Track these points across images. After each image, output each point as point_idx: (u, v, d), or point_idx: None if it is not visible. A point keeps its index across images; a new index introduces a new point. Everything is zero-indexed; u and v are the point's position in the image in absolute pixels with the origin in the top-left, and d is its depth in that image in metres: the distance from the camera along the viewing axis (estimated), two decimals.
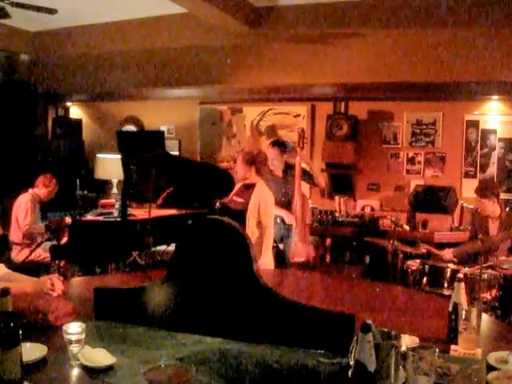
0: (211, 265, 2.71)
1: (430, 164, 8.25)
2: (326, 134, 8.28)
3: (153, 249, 6.68)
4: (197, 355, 2.42)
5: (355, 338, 2.00)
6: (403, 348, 2.20)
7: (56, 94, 9.58)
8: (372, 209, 8.33)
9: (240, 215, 4.91)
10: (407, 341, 2.43)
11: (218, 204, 5.29)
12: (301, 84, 7.87)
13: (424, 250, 6.08)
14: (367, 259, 7.79)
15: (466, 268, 5.25)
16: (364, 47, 7.20)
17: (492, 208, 5.78)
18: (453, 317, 2.63)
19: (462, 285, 2.70)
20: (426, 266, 5.45)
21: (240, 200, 5.13)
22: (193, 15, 7.21)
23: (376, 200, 8.46)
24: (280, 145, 6.27)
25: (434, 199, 7.28)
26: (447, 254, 5.84)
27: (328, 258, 7.93)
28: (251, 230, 5.00)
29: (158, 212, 6.46)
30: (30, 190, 6.88)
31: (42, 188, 6.92)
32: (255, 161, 5.27)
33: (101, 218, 6.55)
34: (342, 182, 8.50)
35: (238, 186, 5.29)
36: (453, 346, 2.49)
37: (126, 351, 2.44)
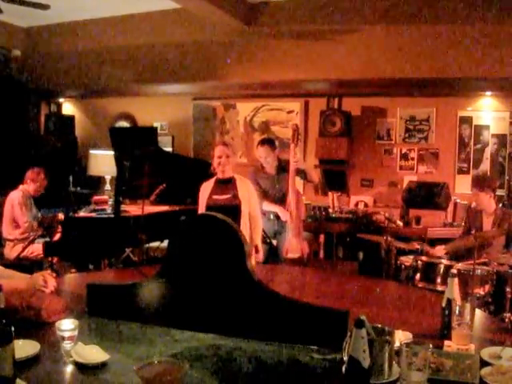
0: (204, 261, 2.71)
1: (423, 160, 8.26)
2: (319, 130, 8.28)
3: (146, 245, 6.69)
4: (190, 351, 2.42)
5: (349, 333, 2.00)
6: (397, 344, 2.20)
7: (48, 90, 9.55)
8: (365, 205, 8.33)
9: (232, 210, 4.90)
10: (401, 336, 2.44)
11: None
12: (294, 80, 7.86)
13: (418, 246, 6.09)
14: (361, 255, 7.79)
15: (460, 264, 5.26)
16: (357, 43, 7.19)
17: (488, 202, 5.78)
18: (446, 312, 2.63)
19: (456, 280, 2.70)
20: (420, 262, 5.45)
21: (225, 196, 5.12)
22: (186, 11, 7.19)
23: (369, 196, 8.46)
24: (269, 142, 6.26)
25: (427, 195, 7.29)
26: (439, 251, 5.85)
27: (321, 254, 7.93)
28: (244, 222, 5.04)
29: (151, 208, 6.46)
30: (20, 187, 6.85)
31: (31, 183, 6.88)
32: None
33: (94, 215, 6.54)
34: (335, 178, 8.50)
35: (209, 186, 5.22)
36: (446, 342, 2.50)
37: (119, 348, 2.44)
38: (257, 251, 5.12)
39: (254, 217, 5.19)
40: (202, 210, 5.12)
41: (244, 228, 4.98)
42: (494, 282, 5.02)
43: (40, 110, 9.90)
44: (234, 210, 4.92)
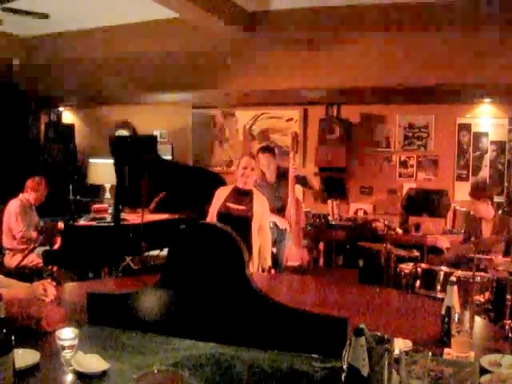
0: (204, 269, 2.71)
1: (422, 167, 8.27)
2: (318, 137, 8.29)
3: (146, 253, 6.68)
4: (190, 360, 2.42)
5: (348, 341, 2.00)
6: (396, 352, 2.20)
7: (48, 98, 9.57)
8: (365, 212, 8.34)
9: (244, 222, 4.90)
10: (400, 344, 2.43)
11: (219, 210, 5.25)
12: (293, 88, 7.88)
13: (417, 254, 6.08)
14: (360, 263, 7.79)
15: (459, 271, 5.26)
16: (356, 51, 7.22)
17: (486, 210, 5.78)
18: (446, 320, 2.63)
19: (455, 288, 2.70)
20: (419, 269, 5.45)
21: (240, 207, 5.11)
22: (185, 20, 7.21)
23: (369, 203, 8.47)
24: (271, 150, 6.28)
25: (426, 202, 7.30)
26: (443, 241, 5.86)
27: (321, 262, 7.93)
28: (255, 237, 5.03)
29: (150, 217, 6.45)
30: (20, 196, 6.81)
31: (32, 192, 6.83)
32: None
33: (94, 223, 6.55)
34: (334, 185, 8.50)
35: (226, 192, 5.23)
36: (446, 349, 2.49)
37: (119, 357, 2.44)
38: (269, 271, 5.11)
39: (264, 232, 5.17)
40: (212, 214, 5.11)
41: (254, 243, 4.99)
42: (493, 289, 5.01)
43: (40, 119, 9.91)
44: (245, 223, 4.92)
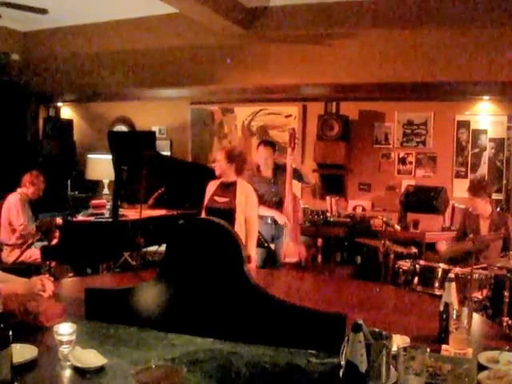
0: (202, 265, 2.71)
1: (421, 164, 8.27)
2: (317, 134, 8.29)
3: (144, 249, 6.69)
4: (188, 356, 2.42)
5: (346, 337, 2.00)
6: (394, 348, 2.20)
7: (47, 94, 9.56)
8: (363, 209, 8.34)
9: (227, 214, 4.91)
10: (398, 341, 2.44)
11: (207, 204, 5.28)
12: (292, 84, 7.86)
13: (415, 250, 6.09)
14: (359, 259, 7.80)
15: (457, 268, 5.26)
16: (355, 48, 7.20)
17: (484, 207, 5.80)
18: (444, 316, 2.63)
19: (453, 285, 2.70)
20: (417, 266, 5.46)
21: (224, 199, 5.15)
22: (184, 15, 7.19)
23: (367, 200, 8.47)
24: (270, 143, 6.29)
25: (425, 199, 7.29)
26: (442, 245, 5.88)
27: (319, 258, 7.92)
28: (239, 227, 5.04)
29: (149, 212, 6.46)
30: (18, 190, 6.79)
31: (30, 186, 6.81)
32: (236, 159, 5.29)
33: (92, 219, 6.54)
34: (333, 182, 8.50)
35: (214, 186, 5.27)
36: (444, 346, 2.49)
37: (117, 352, 2.44)
38: (249, 261, 5.09)
39: (250, 223, 5.18)
40: (204, 208, 5.18)
41: (239, 234, 4.98)
42: (491, 286, 5.03)
43: (38, 114, 9.90)
44: (228, 215, 4.93)
